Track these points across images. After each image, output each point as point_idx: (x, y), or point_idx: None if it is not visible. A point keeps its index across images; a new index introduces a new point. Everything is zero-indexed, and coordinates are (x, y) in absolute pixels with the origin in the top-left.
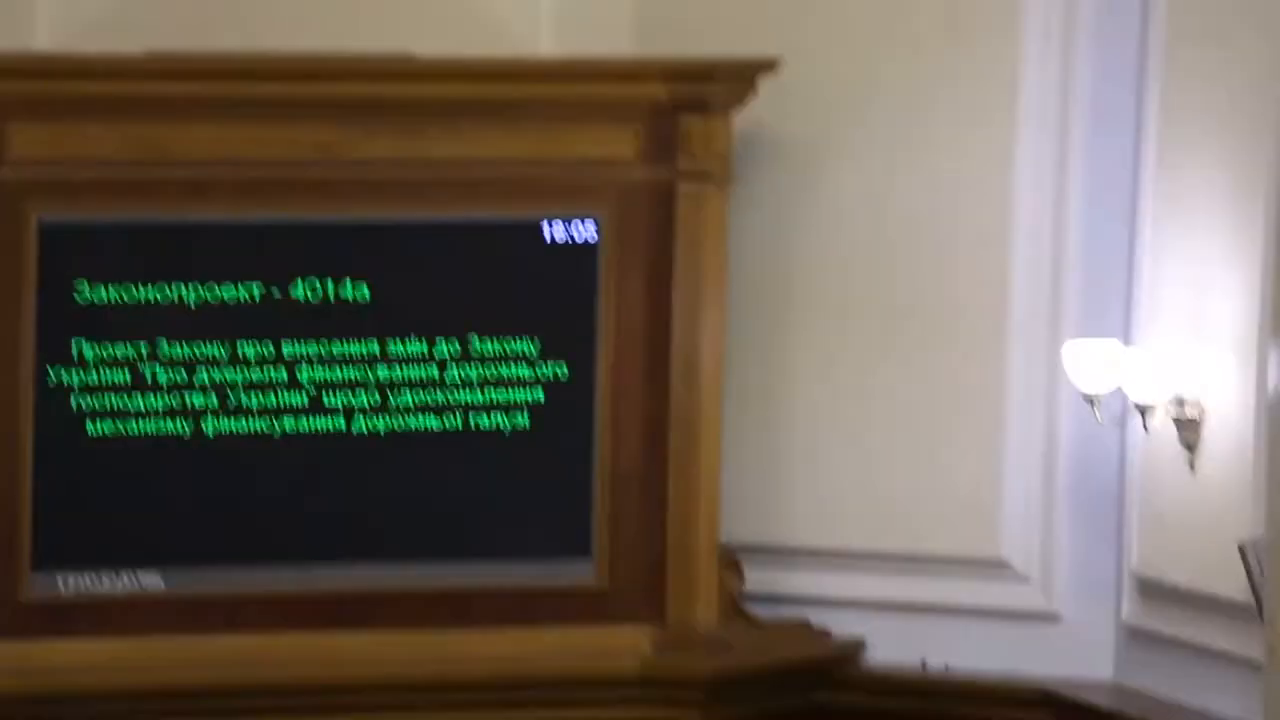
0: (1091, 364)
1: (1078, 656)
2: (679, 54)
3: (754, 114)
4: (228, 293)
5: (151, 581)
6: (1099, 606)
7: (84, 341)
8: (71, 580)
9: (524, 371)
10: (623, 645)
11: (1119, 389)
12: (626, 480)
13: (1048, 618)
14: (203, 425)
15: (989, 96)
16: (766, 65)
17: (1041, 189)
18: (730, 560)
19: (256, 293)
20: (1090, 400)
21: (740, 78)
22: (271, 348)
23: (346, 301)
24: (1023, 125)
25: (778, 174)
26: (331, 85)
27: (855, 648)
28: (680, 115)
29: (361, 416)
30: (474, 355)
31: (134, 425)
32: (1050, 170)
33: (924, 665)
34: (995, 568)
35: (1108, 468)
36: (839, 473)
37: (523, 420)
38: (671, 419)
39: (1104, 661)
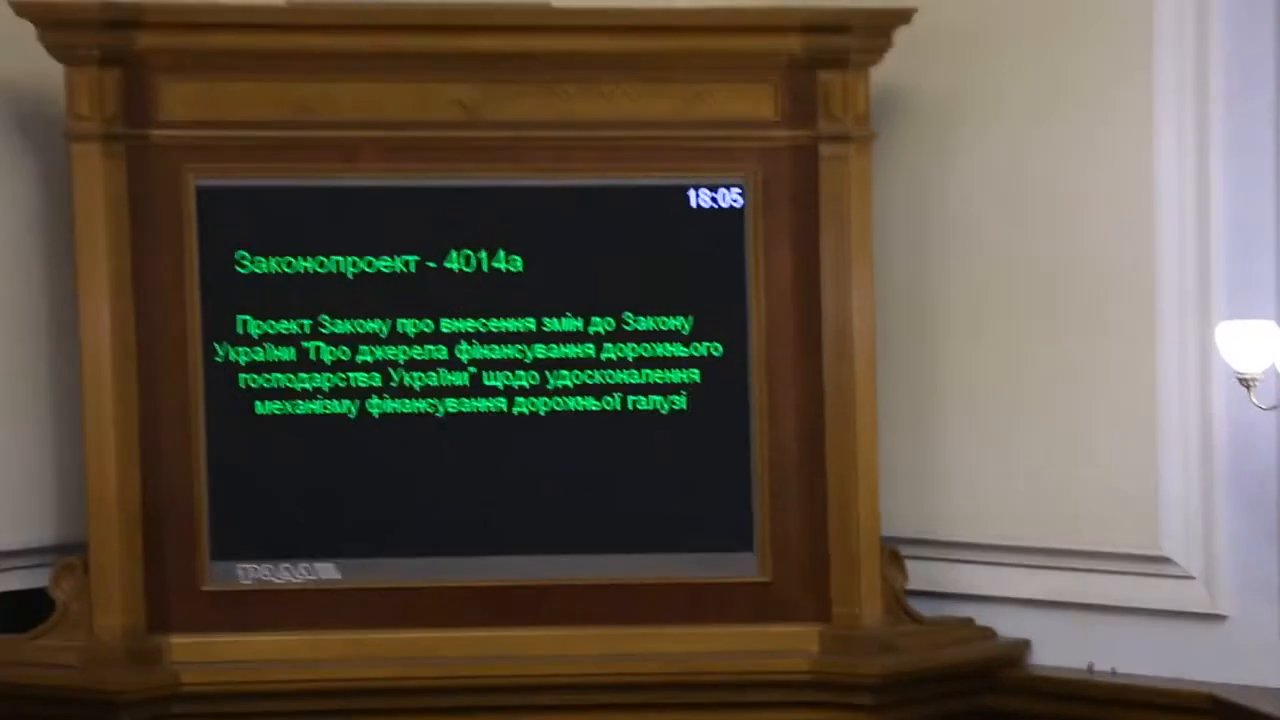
0: (1247, 344)
1: (1245, 660)
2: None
3: (889, 68)
4: (384, 264)
5: (327, 573)
6: (1265, 607)
7: (249, 318)
8: (251, 571)
9: (679, 350)
10: (790, 644)
11: (1273, 375)
12: (784, 467)
13: (1213, 619)
14: (368, 406)
15: (1127, 55)
16: (902, 16)
17: (1184, 152)
18: (892, 554)
19: (413, 264)
20: (1246, 383)
21: (876, 29)
22: (430, 324)
23: (500, 273)
24: (1161, 85)
25: (913, 133)
26: (469, 37)
27: (1021, 648)
28: (818, 72)
29: (522, 397)
30: (629, 333)
31: (301, 405)
32: (1191, 132)
33: (1090, 669)
34: (1157, 563)
35: (1267, 456)
36: (991, 464)
37: (680, 402)
38: (827, 399)
39: (1272, 666)
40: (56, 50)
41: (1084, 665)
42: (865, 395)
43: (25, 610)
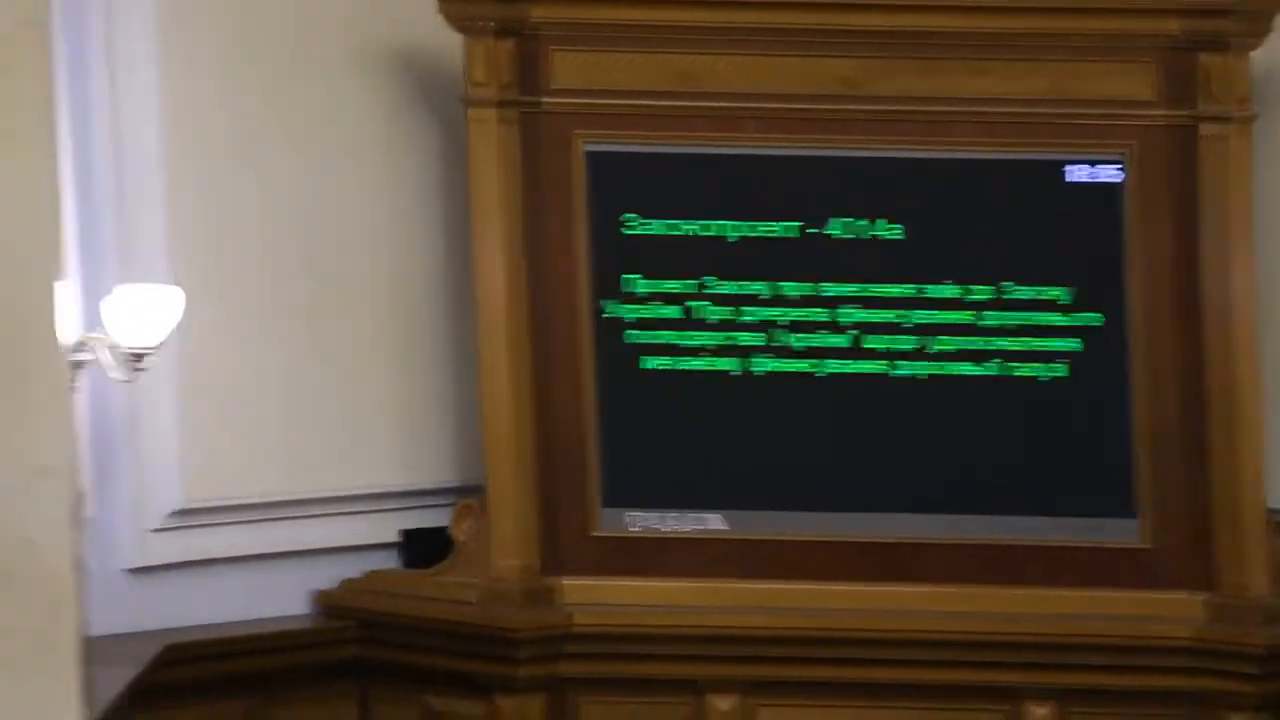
0: None
1: None
2: None
3: (1272, 50)
4: (766, 229)
5: (714, 523)
6: None
7: (637, 277)
8: (639, 518)
9: (1059, 319)
10: (1172, 611)
11: None
12: (1165, 435)
13: None
14: (752, 364)
15: None
16: None
17: None
18: (1278, 525)
19: (795, 229)
20: None
21: (1255, 14)
22: (812, 287)
23: (881, 240)
24: None
25: None
26: (854, 15)
27: None
28: (1198, 54)
29: (902, 361)
30: (1008, 302)
31: (687, 362)
32: None
33: None
34: None
35: None
36: None
37: (1061, 370)
38: (1208, 371)
39: None
40: (455, 21)
41: None
42: (1248, 368)
43: (429, 547)
